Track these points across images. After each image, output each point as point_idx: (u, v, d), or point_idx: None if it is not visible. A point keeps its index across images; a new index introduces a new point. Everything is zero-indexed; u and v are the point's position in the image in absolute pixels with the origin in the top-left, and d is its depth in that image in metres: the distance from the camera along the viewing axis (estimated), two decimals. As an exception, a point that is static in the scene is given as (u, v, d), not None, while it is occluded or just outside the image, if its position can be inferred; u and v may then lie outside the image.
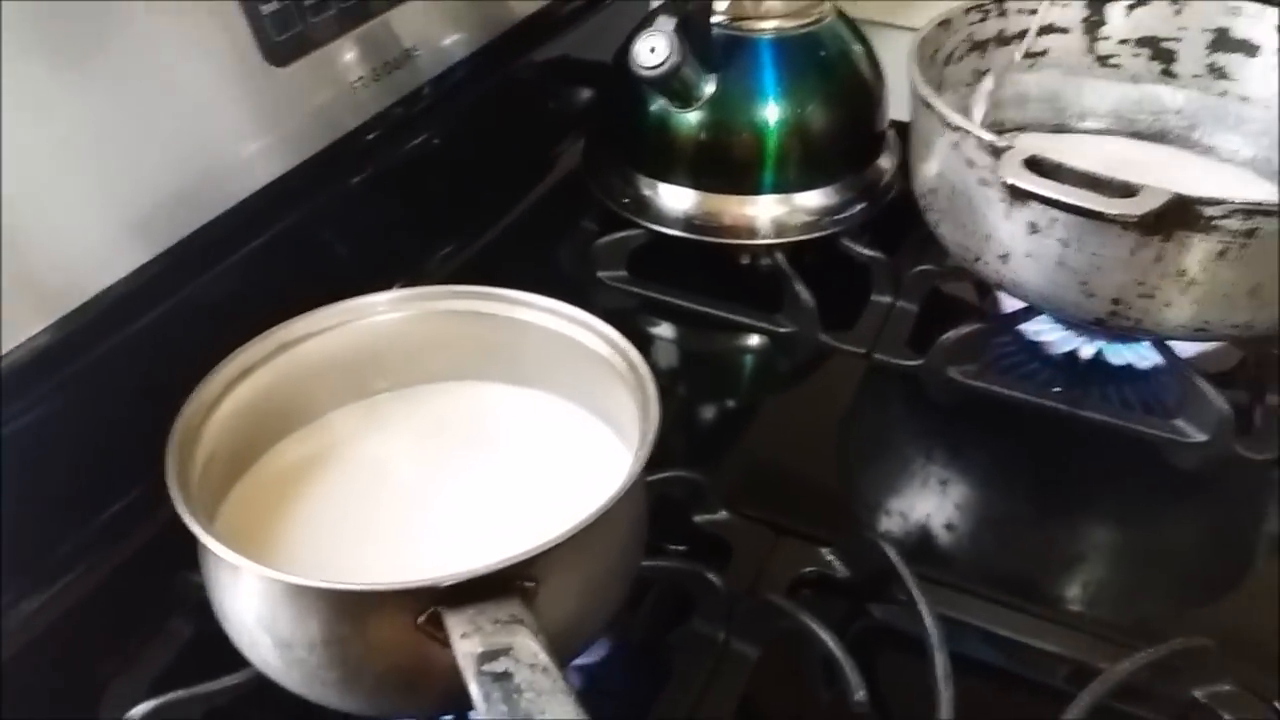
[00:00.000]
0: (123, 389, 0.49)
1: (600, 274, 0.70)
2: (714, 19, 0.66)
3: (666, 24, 0.62)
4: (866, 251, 0.69)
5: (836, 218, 0.70)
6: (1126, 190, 0.49)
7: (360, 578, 0.35)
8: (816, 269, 0.68)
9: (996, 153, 0.53)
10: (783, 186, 0.69)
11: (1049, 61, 0.72)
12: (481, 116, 0.73)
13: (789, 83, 0.68)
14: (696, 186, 0.69)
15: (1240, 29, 0.68)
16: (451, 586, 0.33)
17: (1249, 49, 0.68)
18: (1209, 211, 0.50)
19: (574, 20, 0.81)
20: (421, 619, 0.33)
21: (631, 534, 0.41)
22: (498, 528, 0.43)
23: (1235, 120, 0.70)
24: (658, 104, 0.67)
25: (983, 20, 0.69)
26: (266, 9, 0.54)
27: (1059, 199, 0.49)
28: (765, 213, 0.69)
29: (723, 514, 0.52)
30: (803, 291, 0.66)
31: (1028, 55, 0.71)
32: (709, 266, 0.71)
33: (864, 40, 0.72)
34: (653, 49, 0.62)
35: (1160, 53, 0.71)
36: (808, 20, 0.68)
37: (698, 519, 0.52)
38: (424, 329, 0.49)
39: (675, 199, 0.70)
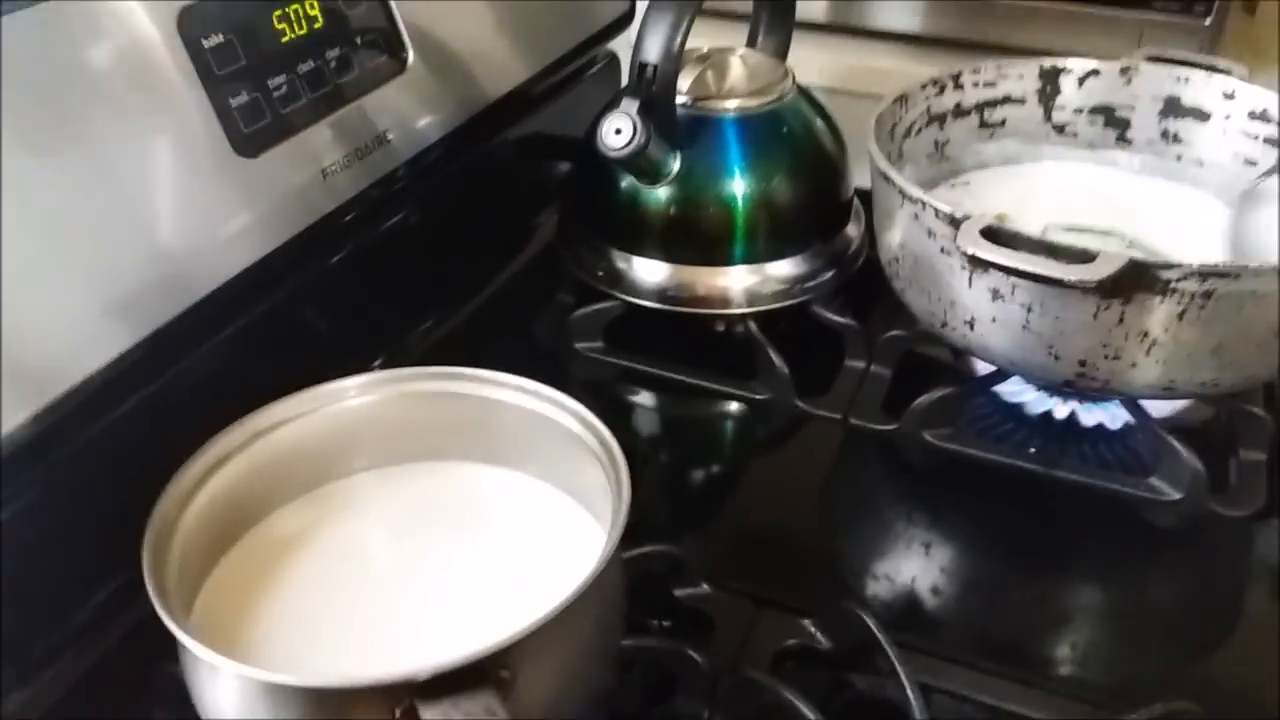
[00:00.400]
0: (104, 477, 0.49)
1: (578, 345, 0.70)
2: (678, 99, 0.68)
3: (630, 106, 0.63)
4: (838, 318, 0.70)
5: (807, 285, 0.71)
6: (1083, 257, 0.51)
7: (338, 666, 0.35)
8: (790, 336, 0.69)
9: (955, 223, 0.54)
10: (753, 257, 0.70)
11: (1007, 131, 0.74)
12: (457, 195, 0.74)
13: (753, 158, 0.69)
14: (669, 259, 0.70)
15: (1190, 96, 0.71)
16: (426, 681, 0.33)
17: (1200, 115, 0.70)
18: (1165, 275, 0.51)
19: (547, 99, 0.83)
20: (398, 712, 0.33)
21: (608, 614, 0.41)
22: (476, 611, 0.43)
23: (1192, 182, 0.72)
24: (627, 180, 0.69)
25: (940, 94, 0.71)
26: (235, 101, 0.55)
27: (1016, 267, 0.50)
28: (737, 283, 0.70)
29: (704, 587, 0.52)
30: (776, 359, 0.66)
31: (985, 126, 0.74)
32: (684, 336, 0.71)
33: (825, 114, 0.74)
34: (618, 130, 0.63)
35: (1114, 120, 0.73)
36: (770, 98, 0.70)
37: (679, 593, 0.52)
38: (396, 411, 0.50)
39: (648, 271, 0.71)
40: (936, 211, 0.56)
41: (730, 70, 0.72)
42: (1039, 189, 0.73)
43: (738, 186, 0.69)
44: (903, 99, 0.69)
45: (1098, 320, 0.53)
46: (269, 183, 0.59)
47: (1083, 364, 0.55)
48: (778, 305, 0.70)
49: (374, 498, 0.50)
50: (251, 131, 0.56)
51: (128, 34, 0.52)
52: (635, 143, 0.63)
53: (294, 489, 0.50)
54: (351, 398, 0.49)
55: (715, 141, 0.69)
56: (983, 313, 0.57)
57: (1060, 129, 0.74)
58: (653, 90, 0.64)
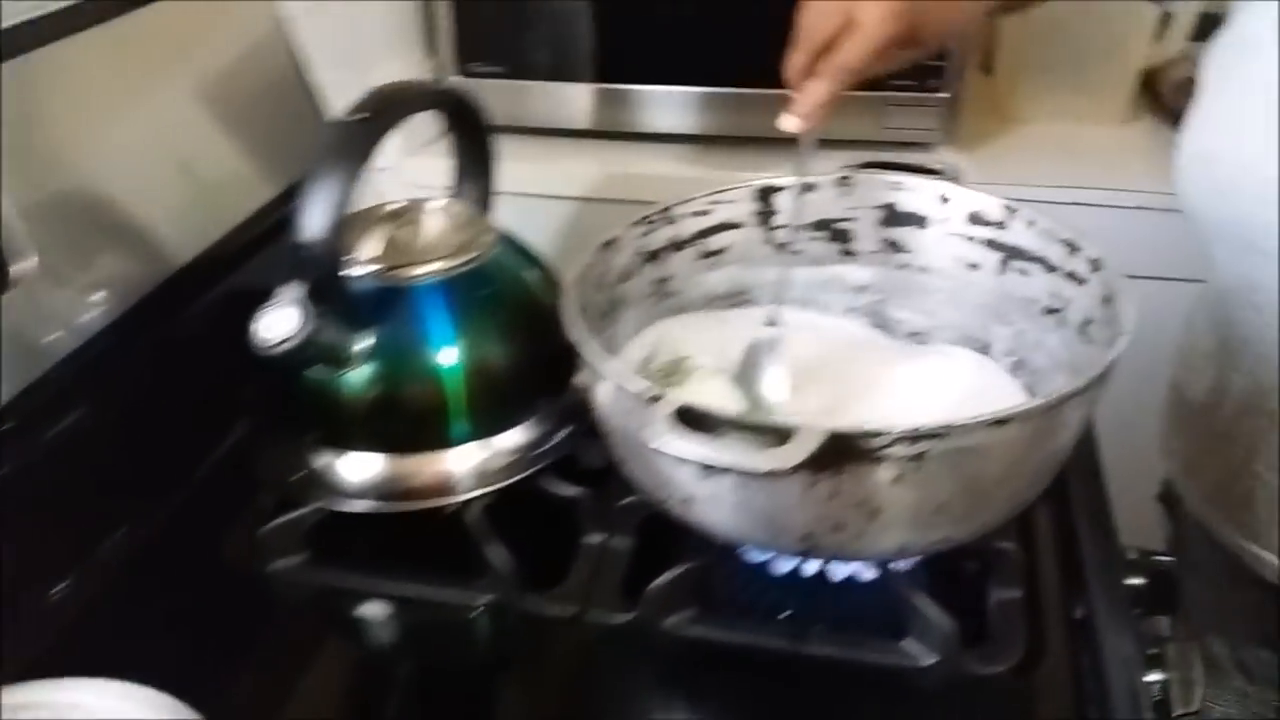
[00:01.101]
0: None
1: (275, 564, 0.61)
2: (361, 271, 0.61)
3: (293, 292, 0.56)
4: (569, 491, 0.63)
5: (540, 452, 0.65)
6: (780, 435, 0.46)
7: None
8: (525, 514, 0.62)
9: (646, 404, 0.49)
10: (474, 433, 0.63)
11: (730, 258, 0.70)
12: (124, 395, 0.65)
13: (459, 324, 0.62)
14: (378, 449, 0.62)
15: (905, 202, 0.68)
16: None
17: (918, 220, 0.68)
18: (871, 444, 0.46)
19: (226, 273, 0.74)
20: None
21: None
22: None
23: (920, 290, 0.69)
24: (314, 368, 0.61)
25: (651, 231, 0.66)
26: None
27: (708, 460, 0.45)
28: (460, 465, 0.63)
29: None
30: (498, 555, 0.59)
31: (706, 255, 0.69)
32: (406, 534, 0.64)
33: (536, 261, 0.68)
34: (279, 323, 0.55)
35: (837, 234, 0.69)
36: (470, 256, 0.63)
37: None
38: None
39: (355, 467, 0.62)
40: (628, 390, 0.50)
41: (425, 228, 0.65)
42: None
43: (445, 358, 0.62)
44: (611, 243, 0.64)
45: (809, 495, 0.48)
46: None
47: (807, 538, 0.50)
48: (507, 482, 0.63)
49: None
50: None
51: None
52: (300, 334, 0.55)
53: None
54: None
55: (412, 311, 0.62)
56: (697, 491, 0.51)
57: (783, 248, 0.70)
58: (317, 270, 0.57)
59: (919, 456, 0.47)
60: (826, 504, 0.48)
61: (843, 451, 0.46)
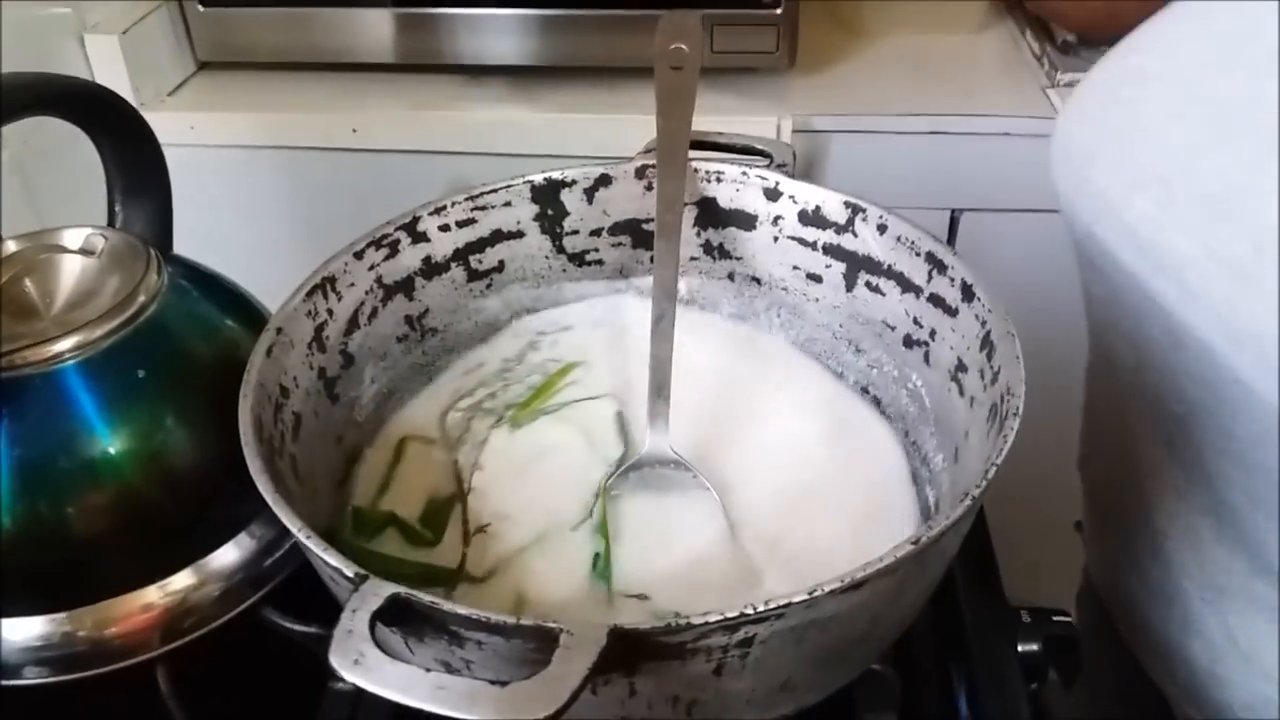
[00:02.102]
0: None
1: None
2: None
3: None
4: (303, 627, 0.47)
5: (267, 564, 0.48)
6: (543, 638, 0.31)
7: None
8: (243, 664, 0.46)
9: (345, 587, 0.33)
10: (165, 562, 0.46)
11: (509, 277, 0.53)
12: None
13: (122, 413, 0.45)
14: (32, 609, 0.45)
15: (726, 198, 0.52)
16: None
17: (743, 221, 0.52)
18: (674, 640, 0.32)
19: None
20: None
21: None
22: None
23: (750, 307, 0.54)
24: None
25: (391, 255, 0.49)
26: None
27: (417, 704, 0.30)
28: (158, 604, 0.46)
29: None
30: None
31: (477, 277, 0.52)
32: (94, 709, 0.47)
33: (237, 302, 0.50)
34: None
35: (644, 238, 0.54)
36: (127, 314, 0.45)
37: None
38: None
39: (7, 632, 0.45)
40: (331, 567, 0.34)
41: (59, 283, 0.46)
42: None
43: (108, 465, 0.44)
44: (324, 284, 0.46)
45: (598, 697, 0.34)
46: None
47: (601, 735, 0.36)
48: (219, 621, 0.47)
49: None
50: None
51: None
52: None
53: None
54: None
55: (44, 411, 0.44)
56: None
57: (579, 259, 0.54)
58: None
59: (745, 643, 0.33)
60: (623, 703, 0.34)
61: (635, 651, 0.32)
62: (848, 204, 0.49)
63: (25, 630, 0.45)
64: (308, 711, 0.46)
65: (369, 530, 0.47)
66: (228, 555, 0.48)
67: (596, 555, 0.44)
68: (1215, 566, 0.45)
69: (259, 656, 0.48)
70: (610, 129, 0.86)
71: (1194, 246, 0.37)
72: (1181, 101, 0.39)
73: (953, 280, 0.45)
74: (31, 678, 0.45)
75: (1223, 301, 0.36)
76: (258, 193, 0.92)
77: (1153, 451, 0.47)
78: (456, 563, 0.45)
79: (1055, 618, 0.52)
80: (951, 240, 0.91)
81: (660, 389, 0.46)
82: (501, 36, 0.89)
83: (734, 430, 0.50)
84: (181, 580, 0.47)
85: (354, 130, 0.89)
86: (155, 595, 0.46)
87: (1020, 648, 0.49)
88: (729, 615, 0.31)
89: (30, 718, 0.46)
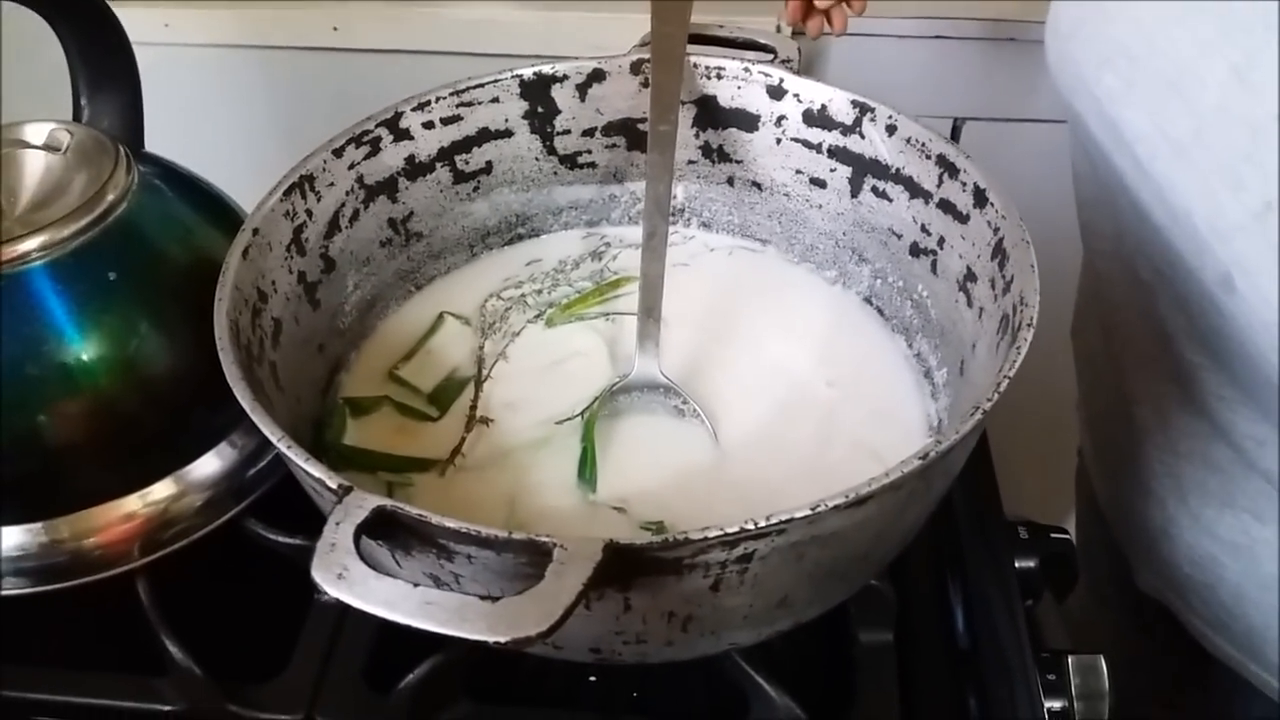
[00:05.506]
0: None
1: None
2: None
3: None
4: (287, 539, 0.46)
5: (246, 479, 0.47)
6: (535, 551, 0.29)
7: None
8: (225, 578, 0.45)
9: (330, 499, 0.31)
10: (147, 470, 0.45)
11: (497, 179, 0.51)
12: None
13: (93, 319, 0.42)
14: (12, 518, 0.44)
15: (727, 96, 0.50)
16: None
17: (744, 122, 0.50)
18: (670, 554, 0.30)
19: None
20: None
21: None
22: None
23: (752, 213, 0.52)
24: None
25: (372, 153, 0.46)
26: None
27: (402, 621, 0.28)
28: (138, 514, 0.45)
29: None
30: (176, 649, 0.42)
31: (463, 179, 0.50)
32: (69, 622, 0.46)
33: (211, 202, 0.48)
34: None
35: (640, 139, 0.51)
36: (93, 216, 0.42)
37: None
38: None
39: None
40: (313, 478, 0.33)
41: (22, 181, 0.44)
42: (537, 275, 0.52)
43: (80, 371, 0.42)
44: (302, 183, 0.44)
45: (591, 614, 0.33)
46: None
47: (597, 650, 0.35)
48: (200, 533, 0.46)
49: None
50: None
51: None
52: None
53: None
54: None
55: (11, 315, 0.41)
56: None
57: (571, 161, 0.51)
58: None
59: (744, 559, 0.31)
60: (613, 620, 0.33)
61: (631, 566, 0.30)
62: (855, 103, 0.46)
63: (4, 541, 0.44)
64: (293, 626, 0.45)
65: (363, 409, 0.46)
66: (209, 465, 0.46)
67: (582, 460, 0.43)
68: (1178, 431, 0.46)
69: (243, 569, 0.47)
70: (605, 27, 0.82)
71: (1146, 123, 0.37)
72: None
73: (964, 185, 0.43)
74: (11, 589, 0.44)
75: (1163, 177, 0.37)
76: (235, 95, 0.88)
77: (1127, 319, 0.48)
78: (450, 450, 0.44)
79: (1053, 534, 0.51)
80: (954, 150, 0.88)
81: (650, 309, 0.44)
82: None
83: (728, 349, 0.48)
84: (161, 490, 0.45)
85: (334, 28, 0.84)
86: (135, 505, 0.45)
87: (1017, 564, 0.48)
88: (729, 531, 0.30)
89: (10, 630, 0.45)
